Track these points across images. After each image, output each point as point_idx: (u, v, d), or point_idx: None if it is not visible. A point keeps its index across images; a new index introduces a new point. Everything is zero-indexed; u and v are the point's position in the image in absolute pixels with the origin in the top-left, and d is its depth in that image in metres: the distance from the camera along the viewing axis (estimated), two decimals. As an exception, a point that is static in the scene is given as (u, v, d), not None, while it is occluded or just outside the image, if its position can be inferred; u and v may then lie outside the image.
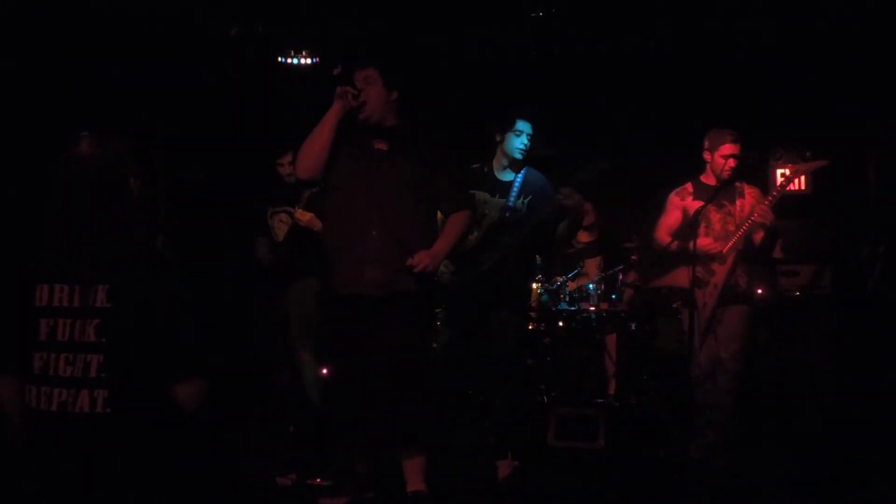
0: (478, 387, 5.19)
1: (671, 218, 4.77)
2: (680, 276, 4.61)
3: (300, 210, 4.98)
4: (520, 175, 4.73)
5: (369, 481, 3.95)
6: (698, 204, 4.56)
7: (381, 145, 3.94)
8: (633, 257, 5.88)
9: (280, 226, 5.17)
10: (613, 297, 5.76)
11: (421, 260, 3.80)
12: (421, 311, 3.90)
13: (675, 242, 4.60)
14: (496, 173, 4.76)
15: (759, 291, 4.91)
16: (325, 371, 5.11)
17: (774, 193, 4.56)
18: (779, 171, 5.57)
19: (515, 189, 4.69)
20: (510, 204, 4.67)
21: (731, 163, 4.58)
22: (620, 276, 5.87)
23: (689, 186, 4.76)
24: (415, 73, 5.73)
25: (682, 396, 4.83)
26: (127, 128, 4.61)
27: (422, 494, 3.77)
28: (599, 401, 5.38)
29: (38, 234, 2.37)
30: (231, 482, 4.01)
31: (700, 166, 4.80)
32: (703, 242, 4.55)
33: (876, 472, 4.34)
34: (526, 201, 4.68)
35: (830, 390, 5.32)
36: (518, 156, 4.69)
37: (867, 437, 4.82)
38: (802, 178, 6.33)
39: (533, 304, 5.63)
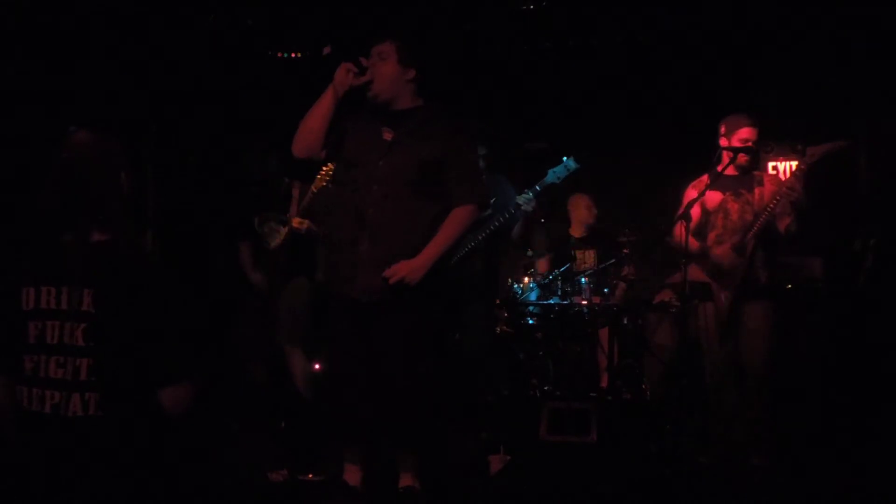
0: (460, 382, 5.17)
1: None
2: (694, 270, 4.48)
3: (297, 219, 4.89)
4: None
5: (361, 477, 3.93)
6: (716, 195, 4.49)
7: (388, 135, 3.60)
8: (625, 251, 5.89)
9: (272, 233, 5.06)
10: (605, 290, 5.77)
11: (397, 271, 3.51)
12: (417, 316, 3.63)
13: (697, 244, 4.48)
14: None
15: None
16: (317, 367, 5.11)
17: (802, 167, 4.29)
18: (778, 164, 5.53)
19: None
20: None
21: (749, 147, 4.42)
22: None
23: (705, 178, 4.54)
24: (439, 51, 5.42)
25: (675, 392, 4.83)
26: (117, 124, 4.60)
27: (413, 490, 3.74)
28: (592, 395, 5.38)
29: (25, 233, 2.35)
30: (223, 478, 4.01)
31: (695, 158, 4.73)
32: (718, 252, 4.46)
33: (869, 464, 4.36)
34: (492, 202, 4.62)
35: (821, 382, 5.34)
36: None
37: (858, 429, 4.83)
38: (791, 170, 6.36)
39: (503, 298, 5.62)
